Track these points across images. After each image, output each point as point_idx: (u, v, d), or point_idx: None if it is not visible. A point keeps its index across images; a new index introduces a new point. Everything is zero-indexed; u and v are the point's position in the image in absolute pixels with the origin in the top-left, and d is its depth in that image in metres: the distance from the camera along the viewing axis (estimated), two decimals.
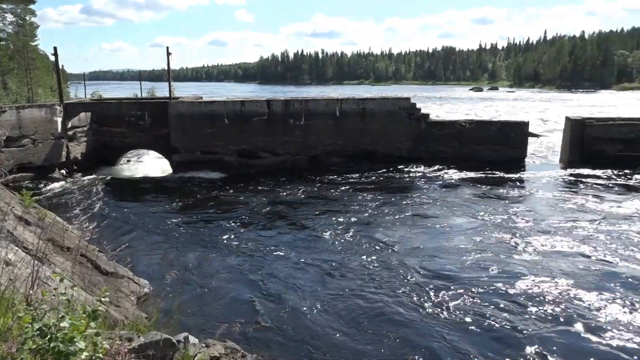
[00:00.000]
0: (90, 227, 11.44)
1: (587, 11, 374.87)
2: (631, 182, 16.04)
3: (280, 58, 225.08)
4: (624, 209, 12.87)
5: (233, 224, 12.26)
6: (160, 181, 17.86)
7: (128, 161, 21.21)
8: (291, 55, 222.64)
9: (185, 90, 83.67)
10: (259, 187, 16.19)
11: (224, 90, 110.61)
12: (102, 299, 3.28)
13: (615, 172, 17.21)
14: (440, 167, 18.34)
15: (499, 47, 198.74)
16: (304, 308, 7.58)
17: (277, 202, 14.37)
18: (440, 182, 16.46)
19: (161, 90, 26.94)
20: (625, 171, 17.22)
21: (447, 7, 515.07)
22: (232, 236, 11.20)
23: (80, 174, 18.23)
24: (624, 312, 7.46)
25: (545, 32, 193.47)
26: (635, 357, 6.28)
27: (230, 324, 5.48)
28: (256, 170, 18.65)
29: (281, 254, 10.04)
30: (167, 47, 19.88)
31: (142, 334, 4.18)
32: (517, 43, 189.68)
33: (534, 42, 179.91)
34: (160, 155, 20.16)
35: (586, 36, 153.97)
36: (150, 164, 20.94)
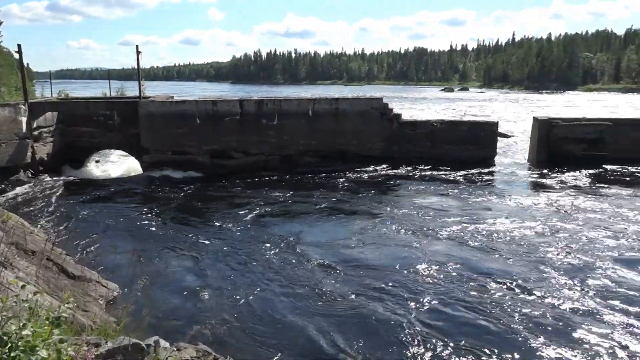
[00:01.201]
0: (57, 230, 11.12)
1: (554, 14, 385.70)
2: (591, 182, 16.50)
3: (253, 57, 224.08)
4: (575, 209, 13.16)
5: (204, 224, 12.13)
6: (130, 182, 17.53)
7: (97, 162, 20.73)
8: (264, 55, 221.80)
9: (156, 90, 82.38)
10: (231, 188, 16.07)
11: (196, 90, 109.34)
12: (69, 304, 3.19)
13: (579, 171, 17.71)
14: (412, 167, 18.54)
15: (469, 48, 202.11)
16: (279, 308, 7.55)
17: (247, 202, 14.26)
18: (408, 182, 16.62)
19: (131, 89, 26.40)
20: (588, 171, 17.73)
21: (419, 8, 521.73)
22: (203, 236, 11.08)
23: (46, 175, 17.72)
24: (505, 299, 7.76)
25: (513, 34, 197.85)
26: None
27: (203, 326, 5.40)
28: (229, 171, 18.49)
29: (252, 253, 9.97)
30: (137, 46, 19.54)
31: (110, 339, 4.10)
32: (487, 44, 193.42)
33: (503, 44, 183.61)
34: (131, 156, 19.78)
35: (552, 38, 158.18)
36: (119, 165, 20.52)
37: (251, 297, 7.93)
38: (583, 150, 19.33)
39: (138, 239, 11.06)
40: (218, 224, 12.08)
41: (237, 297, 7.94)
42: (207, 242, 10.69)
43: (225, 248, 10.33)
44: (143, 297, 6.13)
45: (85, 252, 9.67)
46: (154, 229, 11.79)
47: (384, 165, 18.73)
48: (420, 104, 60.88)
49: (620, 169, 17.94)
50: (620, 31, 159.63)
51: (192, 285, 8.43)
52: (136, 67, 20.32)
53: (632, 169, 17.90)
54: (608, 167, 18.12)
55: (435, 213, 12.80)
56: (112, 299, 7.46)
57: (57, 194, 15.39)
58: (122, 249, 9.81)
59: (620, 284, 8.37)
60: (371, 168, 18.49)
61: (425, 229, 11.44)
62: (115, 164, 20.75)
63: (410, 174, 17.70)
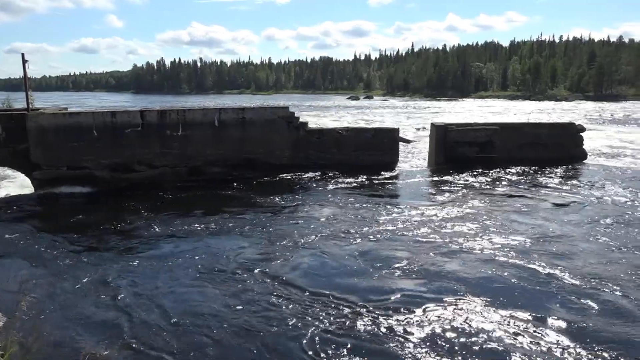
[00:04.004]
0: None
1: (448, 26, 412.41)
2: (478, 183, 17.88)
3: (156, 66, 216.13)
4: (457, 210, 14.08)
5: (95, 243, 11.38)
6: (18, 201, 16.12)
7: None
8: (168, 64, 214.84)
9: (49, 101, 76.88)
10: (131, 203, 15.31)
11: (93, 101, 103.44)
12: None
13: (471, 172, 19.13)
14: (318, 173, 18.93)
15: (373, 58, 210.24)
16: (172, 323, 7.34)
17: (147, 217, 13.63)
18: (310, 189, 16.88)
19: (20, 100, 24.46)
20: (480, 171, 19.25)
21: (323, 19, 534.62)
22: (95, 257, 10.38)
23: None
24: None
25: (412, 45, 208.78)
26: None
27: (96, 349, 5.11)
28: (131, 185, 17.67)
29: (146, 269, 9.62)
30: (23, 54, 18.08)
31: None
32: (389, 54, 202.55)
33: (403, 54, 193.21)
34: (20, 173, 18.25)
35: (448, 49, 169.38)
36: (7, 183, 18.86)
37: (146, 320, 7.61)
38: (475, 153, 20.84)
39: (24, 262, 10.14)
40: (111, 243, 11.41)
41: (129, 319, 7.58)
42: (99, 263, 10.01)
43: (117, 265, 9.85)
44: (31, 324, 5.65)
45: None
46: (42, 250, 10.88)
47: (292, 173, 18.92)
48: (328, 112, 62.23)
49: (506, 170, 19.60)
50: (505, 43, 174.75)
51: (83, 309, 7.90)
52: (23, 76, 18.81)
53: (515, 169, 19.65)
54: (496, 167, 19.73)
55: (325, 220, 13.03)
56: None
57: None
58: (5, 274, 8.98)
59: (451, 275, 9.12)
60: (278, 176, 18.63)
61: (303, 236, 11.63)
62: (2, 183, 19.02)
63: (315, 181, 18.05)
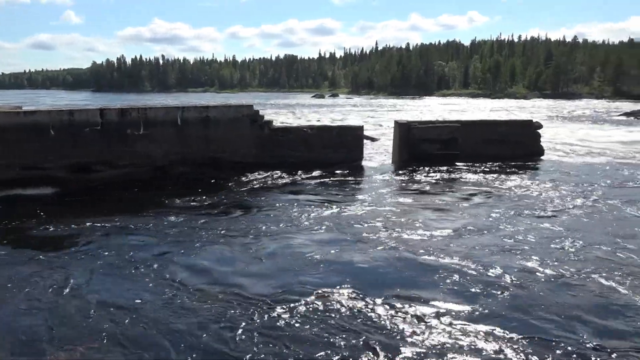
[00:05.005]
0: None
1: (411, 25, 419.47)
2: (439, 178, 18.31)
3: (116, 64, 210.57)
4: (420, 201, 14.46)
5: (48, 250, 10.87)
6: None
7: None
8: (129, 61, 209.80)
9: (1, 99, 73.89)
10: (90, 205, 14.87)
11: (49, 99, 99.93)
12: None
13: (434, 168, 19.55)
14: (283, 171, 18.89)
15: (337, 56, 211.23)
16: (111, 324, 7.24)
17: (103, 219, 13.03)
18: (263, 187, 16.89)
19: None
20: (442, 168, 19.68)
21: (287, 17, 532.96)
22: (48, 261, 9.97)
23: None
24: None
25: (376, 44, 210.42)
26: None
27: (59, 353, 4.98)
28: (93, 185, 17.18)
29: (98, 274, 9.28)
30: None
31: None
32: (353, 53, 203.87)
33: (368, 52, 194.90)
34: None
35: (411, 48, 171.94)
36: None
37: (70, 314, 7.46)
38: (437, 149, 21.24)
39: None
40: (68, 245, 10.96)
41: (73, 321, 7.35)
42: (47, 268, 9.62)
43: (49, 268, 9.51)
44: None
45: None
46: None
47: (257, 172, 18.80)
48: (293, 110, 62.18)
49: (464, 166, 20.11)
50: (467, 42, 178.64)
51: (13, 310, 7.66)
52: None
53: (474, 166, 20.14)
54: (457, 164, 20.25)
55: (253, 218, 12.96)
56: None
57: None
58: None
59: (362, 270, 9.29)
60: (242, 175, 18.46)
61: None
62: None
63: (280, 179, 18.04)
